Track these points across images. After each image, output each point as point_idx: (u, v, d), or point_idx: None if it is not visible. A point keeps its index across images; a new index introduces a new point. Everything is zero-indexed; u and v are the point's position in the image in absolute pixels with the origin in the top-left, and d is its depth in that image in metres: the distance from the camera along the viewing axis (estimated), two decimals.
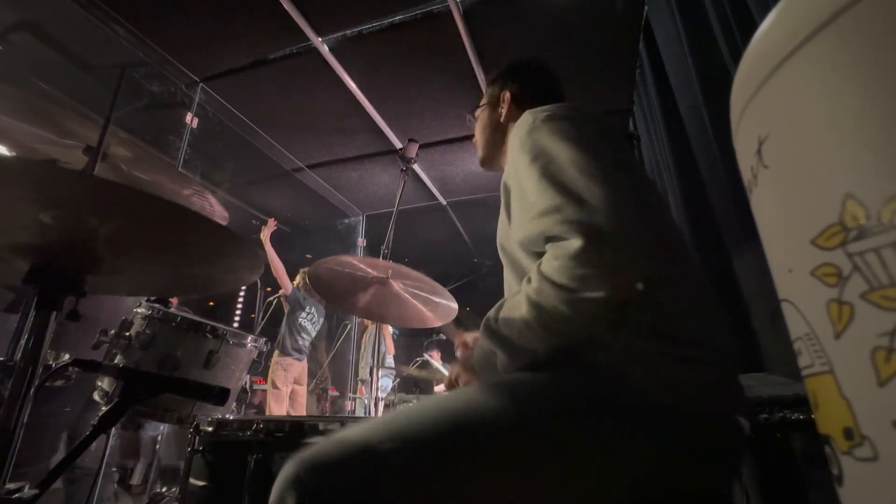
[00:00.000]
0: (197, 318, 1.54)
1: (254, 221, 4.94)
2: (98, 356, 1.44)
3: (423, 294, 1.78)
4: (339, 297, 1.81)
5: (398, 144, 3.67)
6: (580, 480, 0.61)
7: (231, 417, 1.21)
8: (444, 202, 4.75)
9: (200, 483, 1.08)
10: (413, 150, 2.02)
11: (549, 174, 0.71)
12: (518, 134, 0.82)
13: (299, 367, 4.10)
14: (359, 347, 5.06)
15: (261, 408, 4.79)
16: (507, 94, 1.09)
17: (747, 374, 1.20)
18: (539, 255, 0.74)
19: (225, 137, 3.61)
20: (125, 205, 0.73)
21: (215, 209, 1.54)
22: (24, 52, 2.82)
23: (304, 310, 4.10)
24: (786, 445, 0.93)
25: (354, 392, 4.64)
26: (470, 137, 1.21)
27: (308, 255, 5.13)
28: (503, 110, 1.08)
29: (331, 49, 2.80)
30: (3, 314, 2.24)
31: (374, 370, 2.35)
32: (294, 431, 1.04)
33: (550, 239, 0.68)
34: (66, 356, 1.14)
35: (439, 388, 4.48)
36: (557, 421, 0.62)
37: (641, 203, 0.70)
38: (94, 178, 0.97)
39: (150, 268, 0.92)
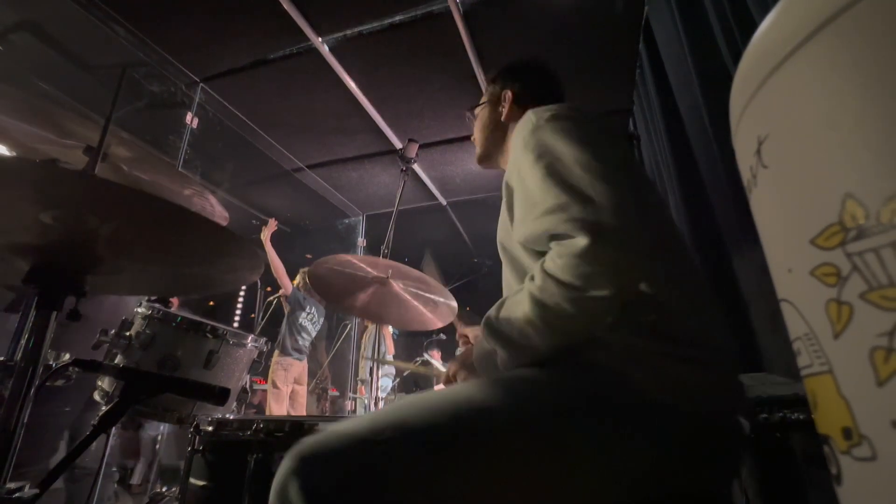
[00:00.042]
0: (197, 318, 1.54)
1: (254, 221, 4.94)
2: (98, 356, 1.44)
3: (423, 294, 1.78)
4: (339, 298, 1.81)
5: (398, 144, 3.67)
6: (580, 480, 0.61)
7: (231, 417, 1.21)
8: (444, 202, 4.75)
9: (200, 483, 1.08)
10: (413, 150, 2.02)
11: (554, 173, 0.71)
12: (521, 133, 0.82)
13: (299, 367, 4.10)
14: (359, 347, 5.06)
15: (260, 408, 4.79)
16: (509, 94, 1.09)
17: (747, 374, 1.20)
18: (541, 254, 0.74)
19: (225, 137, 3.61)
20: (125, 205, 0.73)
21: (215, 209, 1.54)
22: (24, 52, 2.82)
23: (304, 310, 4.10)
24: (785, 445, 0.93)
25: (354, 392, 4.64)
26: (470, 138, 1.21)
27: (308, 255, 5.13)
28: (504, 109, 1.08)
29: (331, 49, 2.80)
30: (3, 314, 2.24)
31: (374, 370, 2.35)
32: (294, 431, 1.04)
33: (555, 237, 0.67)
34: (67, 356, 1.14)
35: (439, 387, 4.47)
36: (557, 420, 0.62)
37: (643, 203, 0.70)
38: (94, 178, 0.97)
39: (150, 268, 0.92)
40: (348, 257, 1.70)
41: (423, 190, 4.51)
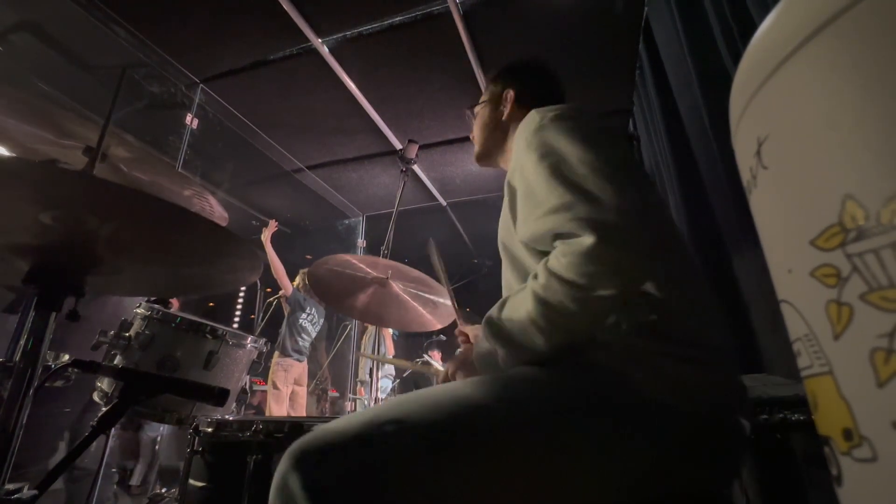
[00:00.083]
0: (196, 319, 1.54)
1: (254, 222, 4.94)
2: (97, 357, 1.43)
3: (422, 295, 1.78)
4: (339, 299, 1.81)
5: (398, 145, 3.67)
6: (580, 480, 0.61)
7: (231, 418, 1.21)
8: (444, 203, 4.76)
9: (200, 484, 1.08)
10: (413, 151, 2.02)
11: (559, 172, 0.71)
12: (524, 132, 0.82)
13: (300, 367, 4.10)
14: (359, 348, 5.06)
15: (259, 409, 4.79)
16: (511, 93, 1.08)
17: (748, 375, 1.20)
18: (543, 253, 0.74)
19: (225, 138, 3.61)
20: (125, 205, 0.73)
21: (215, 210, 1.54)
22: (24, 52, 2.82)
23: (304, 311, 4.10)
24: (786, 446, 0.93)
25: (354, 393, 4.64)
26: (469, 137, 1.21)
27: (308, 256, 5.13)
28: (506, 109, 1.08)
29: (331, 50, 2.80)
30: (3, 314, 2.24)
31: (374, 371, 2.35)
32: (293, 432, 1.04)
33: (560, 236, 0.67)
34: (66, 357, 1.14)
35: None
36: (557, 420, 0.62)
37: (646, 202, 0.70)
38: (94, 178, 0.97)
39: (150, 268, 0.92)
40: (348, 257, 1.70)
41: (423, 190, 4.51)
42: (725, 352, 0.70)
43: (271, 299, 4.41)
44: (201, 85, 3.14)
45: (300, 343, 4.07)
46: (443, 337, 5.57)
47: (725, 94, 0.36)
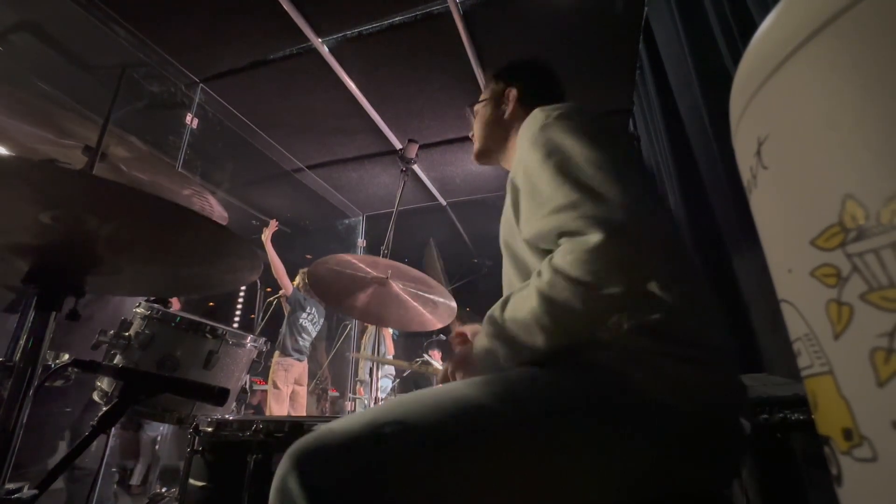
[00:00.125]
0: (196, 319, 1.53)
1: (254, 222, 4.94)
2: (97, 356, 1.43)
3: (422, 295, 1.78)
4: (339, 298, 1.81)
5: (398, 145, 3.67)
6: (580, 480, 0.61)
7: (231, 418, 1.21)
8: (444, 203, 4.76)
9: (200, 483, 1.08)
10: (413, 151, 2.02)
11: (565, 171, 0.71)
12: (528, 131, 0.81)
13: (300, 367, 4.10)
14: (359, 348, 5.06)
15: (259, 408, 4.79)
16: (514, 92, 1.08)
17: (748, 375, 1.20)
18: (546, 252, 0.74)
19: (225, 138, 3.61)
20: (125, 205, 0.73)
21: (215, 209, 1.54)
22: (24, 52, 2.82)
23: (304, 310, 4.11)
24: (786, 446, 0.93)
25: (354, 392, 4.64)
26: (469, 137, 1.20)
27: (308, 256, 5.13)
28: (508, 108, 1.08)
29: (331, 50, 2.80)
30: (3, 314, 2.24)
31: (374, 371, 2.35)
32: (293, 432, 1.04)
33: (566, 234, 0.67)
34: (66, 356, 1.14)
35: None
36: (558, 420, 0.62)
37: (651, 201, 0.70)
38: (94, 178, 0.97)
39: (150, 268, 0.92)
40: (348, 257, 1.70)
41: (423, 190, 4.51)
42: (725, 352, 0.70)
43: (271, 299, 4.41)
44: (201, 85, 3.14)
45: (300, 343, 4.07)
46: (443, 337, 5.57)
47: (725, 94, 0.36)
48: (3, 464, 0.69)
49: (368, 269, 1.70)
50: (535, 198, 0.74)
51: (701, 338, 0.69)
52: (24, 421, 0.74)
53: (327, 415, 4.76)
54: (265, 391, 4.39)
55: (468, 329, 1.11)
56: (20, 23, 2.66)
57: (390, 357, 4.79)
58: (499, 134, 1.09)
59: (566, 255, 0.65)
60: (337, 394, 5.33)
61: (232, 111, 3.40)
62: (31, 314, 0.77)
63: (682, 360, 0.66)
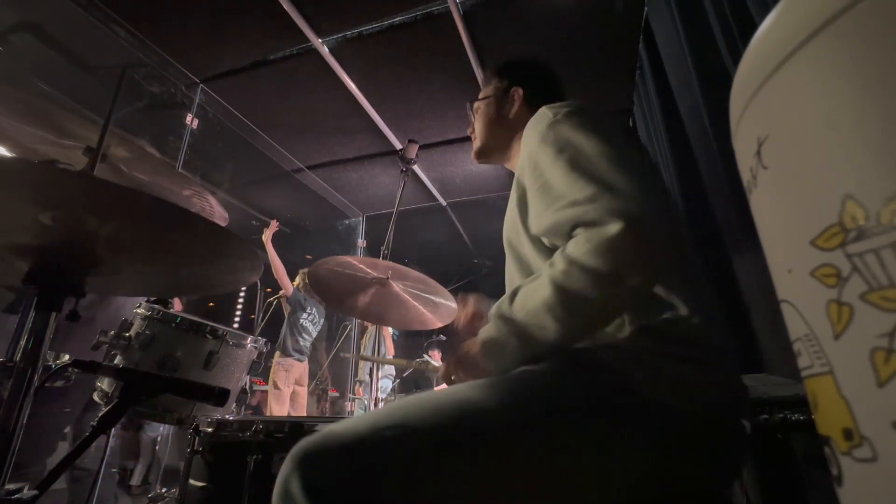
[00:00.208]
0: (197, 319, 1.53)
1: (254, 222, 4.94)
2: (98, 357, 1.43)
3: (423, 295, 1.78)
4: (339, 299, 1.81)
5: (398, 145, 3.67)
6: (580, 480, 0.61)
7: (231, 418, 1.21)
8: (444, 203, 4.75)
9: (200, 484, 1.08)
10: (413, 151, 2.02)
11: (580, 166, 0.70)
12: (536, 128, 0.81)
13: (300, 367, 4.10)
14: (359, 349, 5.06)
15: (258, 409, 4.79)
16: (520, 91, 1.07)
17: (748, 375, 1.20)
18: (551, 251, 0.74)
19: (225, 138, 3.61)
20: (125, 205, 0.73)
21: (215, 210, 1.53)
22: (24, 52, 2.82)
23: (305, 311, 4.11)
24: (786, 446, 0.93)
25: (354, 393, 4.64)
26: (469, 137, 1.19)
27: (308, 256, 5.14)
28: (513, 107, 1.07)
29: (331, 50, 2.80)
30: (3, 314, 2.24)
31: (374, 371, 2.35)
32: (294, 432, 1.04)
33: (583, 225, 0.66)
34: (66, 357, 1.14)
35: (441, 387, 4.46)
36: (558, 421, 0.62)
37: (664, 196, 0.70)
38: (94, 178, 0.97)
39: (150, 268, 0.92)
40: (347, 258, 1.70)
41: (423, 191, 4.51)
42: (726, 352, 0.70)
43: (271, 299, 4.41)
44: (201, 85, 3.14)
45: (301, 343, 4.07)
46: (443, 337, 5.56)
47: (725, 94, 0.36)
48: (3, 464, 0.70)
49: (368, 270, 1.71)
50: (548, 193, 0.74)
51: (701, 338, 0.69)
52: (24, 421, 0.74)
53: (327, 415, 4.76)
54: (264, 392, 4.39)
55: (471, 309, 1.09)
56: (20, 23, 2.66)
57: (390, 357, 4.79)
58: (502, 133, 1.08)
59: (583, 245, 0.64)
60: (337, 394, 5.33)
61: (232, 111, 3.40)
62: (31, 314, 0.77)
63: (682, 360, 0.66)
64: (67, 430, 2.04)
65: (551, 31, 2.59)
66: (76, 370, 0.90)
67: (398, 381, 5.21)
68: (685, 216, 1.99)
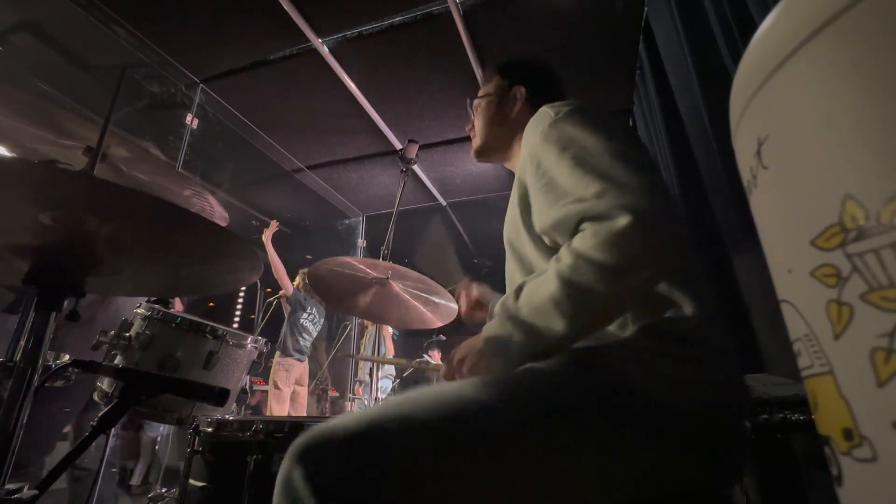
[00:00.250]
0: (197, 319, 1.53)
1: (254, 222, 4.94)
2: (98, 357, 1.43)
3: (423, 294, 1.78)
4: (339, 299, 1.81)
5: (398, 145, 3.67)
6: (580, 480, 0.61)
7: (231, 418, 1.21)
8: (444, 203, 4.75)
9: (200, 484, 1.08)
10: (413, 151, 2.02)
11: (585, 163, 0.70)
12: (538, 127, 0.80)
13: (301, 367, 4.10)
14: (359, 349, 5.06)
15: (258, 409, 4.79)
16: (523, 90, 1.07)
17: (748, 375, 1.20)
18: (552, 250, 0.74)
19: (225, 138, 3.61)
20: (125, 205, 0.73)
21: (215, 210, 1.53)
22: (24, 52, 2.82)
23: (305, 311, 4.11)
24: (786, 446, 0.93)
25: (354, 393, 4.64)
26: (468, 132, 1.19)
27: (308, 256, 5.14)
28: (515, 106, 1.07)
29: (331, 50, 2.80)
30: (3, 314, 2.24)
31: (374, 371, 2.35)
32: (294, 432, 1.04)
33: (590, 219, 0.66)
34: (66, 357, 1.14)
35: None
36: (558, 420, 0.62)
37: (665, 193, 0.70)
38: (94, 178, 0.97)
39: (150, 268, 0.92)
40: (347, 259, 1.70)
41: (423, 191, 4.51)
42: (726, 352, 0.70)
43: (271, 299, 4.41)
44: (201, 85, 3.14)
45: (301, 343, 4.07)
46: (443, 337, 5.57)
47: (725, 94, 0.36)
48: (3, 464, 0.69)
49: (368, 270, 1.71)
50: (553, 191, 0.73)
51: (702, 338, 0.69)
52: (24, 421, 0.74)
53: (327, 415, 4.76)
54: (264, 392, 4.39)
55: (478, 293, 1.09)
56: (20, 23, 2.66)
57: (390, 357, 4.79)
58: (503, 132, 1.08)
59: (590, 239, 0.64)
60: (337, 394, 5.33)
61: (232, 111, 3.40)
62: (31, 314, 0.77)
63: (682, 360, 0.66)
64: (67, 429, 2.04)
65: (551, 31, 2.59)
66: (76, 370, 0.90)
67: (398, 381, 5.21)
68: (685, 216, 1.99)
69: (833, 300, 0.27)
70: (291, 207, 5.10)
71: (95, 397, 1.48)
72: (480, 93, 1.14)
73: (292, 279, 4.24)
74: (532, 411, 0.62)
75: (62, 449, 2.10)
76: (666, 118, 2.22)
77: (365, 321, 4.76)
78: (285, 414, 3.85)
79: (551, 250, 0.77)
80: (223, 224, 1.49)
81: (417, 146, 2.03)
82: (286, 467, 0.56)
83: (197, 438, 1.12)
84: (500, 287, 0.93)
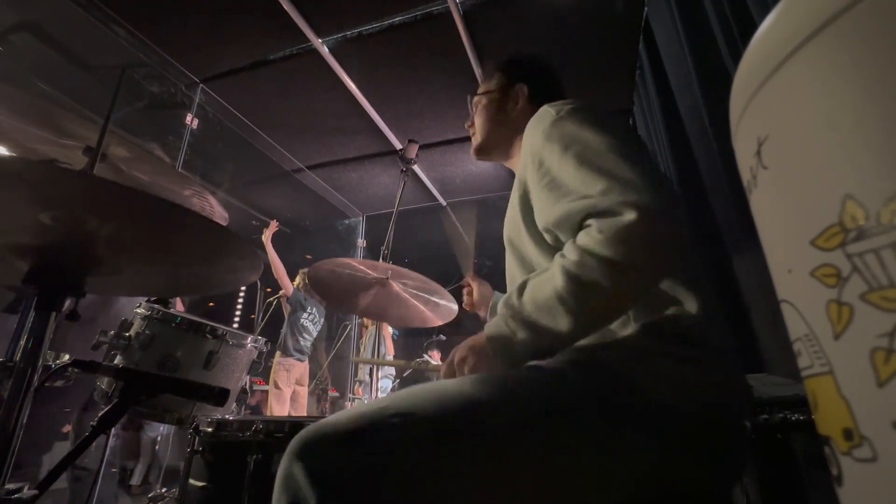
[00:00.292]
0: (197, 319, 1.53)
1: (254, 222, 4.94)
2: (98, 357, 1.43)
3: (423, 294, 1.78)
4: (339, 299, 1.81)
5: (398, 145, 3.67)
6: (580, 480, 0.61)
7: (231, 418, 1.21)
8: (444, 203, 4.75)
9: (200, 484, 1.08)
10: (413, 151, 2.02)
11: (589, 160, 0.70)
12: (540, 126, 0.80)
13: (301, 367, 4.10)
14: (358, 349, 5.06)
15: (258, 409, 4.79)
16: (525, 89, 1.06)
17: (748, 375, 1.20)
18: (553, 249, 0.74)
19: (225, 138, 3.61)
20: (125, 205, 0.73)
21: (215, 210, 1.54)
22: (24, 52, 2.82)
23: (305, 311, 4.11)
24: (786, 446, 0.93)
25: (354, 393, 4.64)
26: (468, 130, 1.18)
27: (308, 256, 5.14)
28: (518, 105, 1.06)
29: (331, 50, 2.80)
30: (3, 314, 2.24)
31: (374, 371, 2.35)
32: (294, 432, 1.04)
33: (596, 215, 0.66)
34: (66, 357, 1.14)
35: None
36: (558, 420, 0.62)
37: (672, 190, 0.70)
38: (94, 178, 0.97)
39: (150, 268, 0.92)
40: (346, 260, 1.70)
41: (423, 191, 4.51)
42: (726, 352, 0.70)
43: (271, 299, 4.41)
44: (201, 85, 3.14)
45: (302, 343, 4.07)
46: (443, 337, 5.56)
47: (725, 94, 0.36)
48: (3, 464, 0.69)
49: (368, 271, 1.71)
50: (557, 188, 0.73)
51: (702, 337, 0.69)
52: (24, 421, 0.74)
53: (327, 415, 4.76)
54: (264, 392, 4.39)
55: (476, 284, 1.08)
56: (20, 23, 2.66)
57: (390, 358, 4.79)
58: (503, 131, 1.07)
59: (596, 235, 0.64)
60: (337, 394, 5.33)
61: (232, 111, 3.40)
62: (31, 314, 0.77)
63: (682, 360, 0.66)
64: (67, 429, 2.04)
65: (551, 31, 2.59)
66: (76, 370, 0.90)
67: (398, 380, 5.21)
68: (685, 216, 1.99)
69: (833, 300, 0.27)
70: (291, 207, 5.10)
71: (95, 397, 1.48)
72: (481, 89, 1.13)
73: (292, 279, 4.24)
74: (532, 410, 0.62)
75: (62, 449, 2.10)
76: (666, 118, 2.22)
77: (365, 320, 4.77)
78: (286, 414, 3.85)
79: (552, 249, 0.77)
80: (223, 224, 1.48)
81: (417, 146, 2.03)
82: (286, 462, 0.56)
83: (197, 438, 1.12)
84: (500, 287, 0.93)
